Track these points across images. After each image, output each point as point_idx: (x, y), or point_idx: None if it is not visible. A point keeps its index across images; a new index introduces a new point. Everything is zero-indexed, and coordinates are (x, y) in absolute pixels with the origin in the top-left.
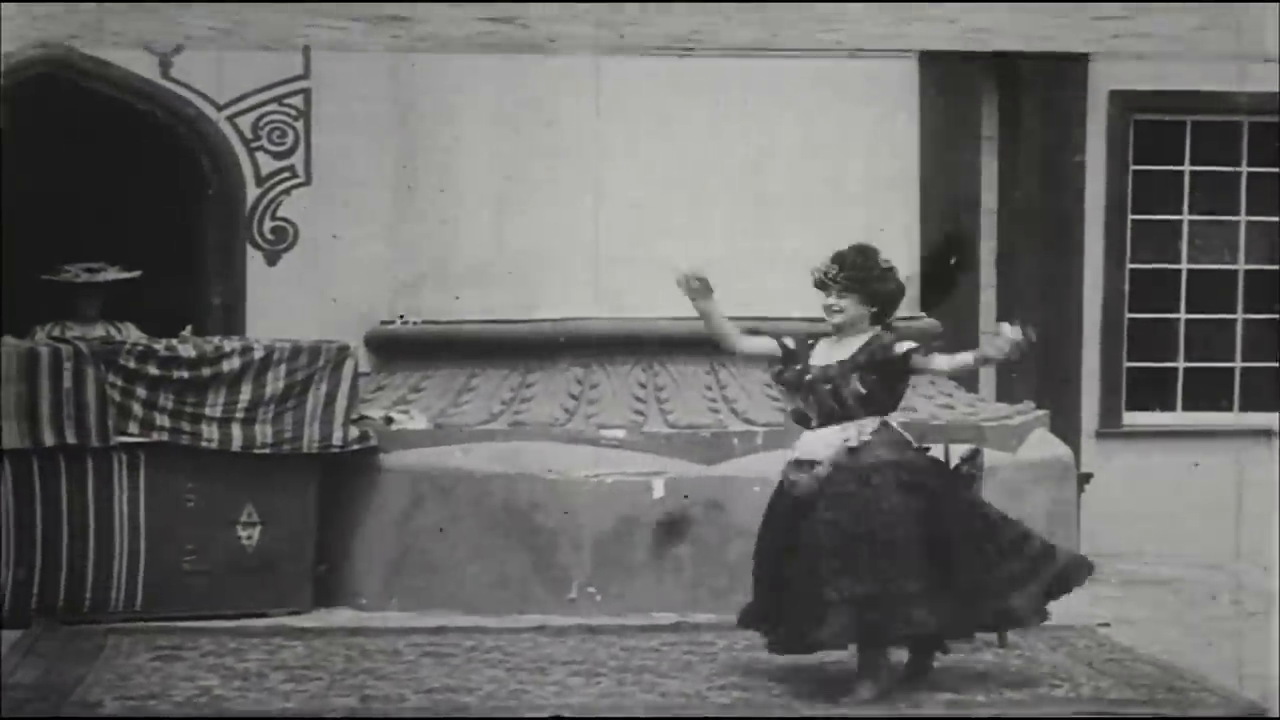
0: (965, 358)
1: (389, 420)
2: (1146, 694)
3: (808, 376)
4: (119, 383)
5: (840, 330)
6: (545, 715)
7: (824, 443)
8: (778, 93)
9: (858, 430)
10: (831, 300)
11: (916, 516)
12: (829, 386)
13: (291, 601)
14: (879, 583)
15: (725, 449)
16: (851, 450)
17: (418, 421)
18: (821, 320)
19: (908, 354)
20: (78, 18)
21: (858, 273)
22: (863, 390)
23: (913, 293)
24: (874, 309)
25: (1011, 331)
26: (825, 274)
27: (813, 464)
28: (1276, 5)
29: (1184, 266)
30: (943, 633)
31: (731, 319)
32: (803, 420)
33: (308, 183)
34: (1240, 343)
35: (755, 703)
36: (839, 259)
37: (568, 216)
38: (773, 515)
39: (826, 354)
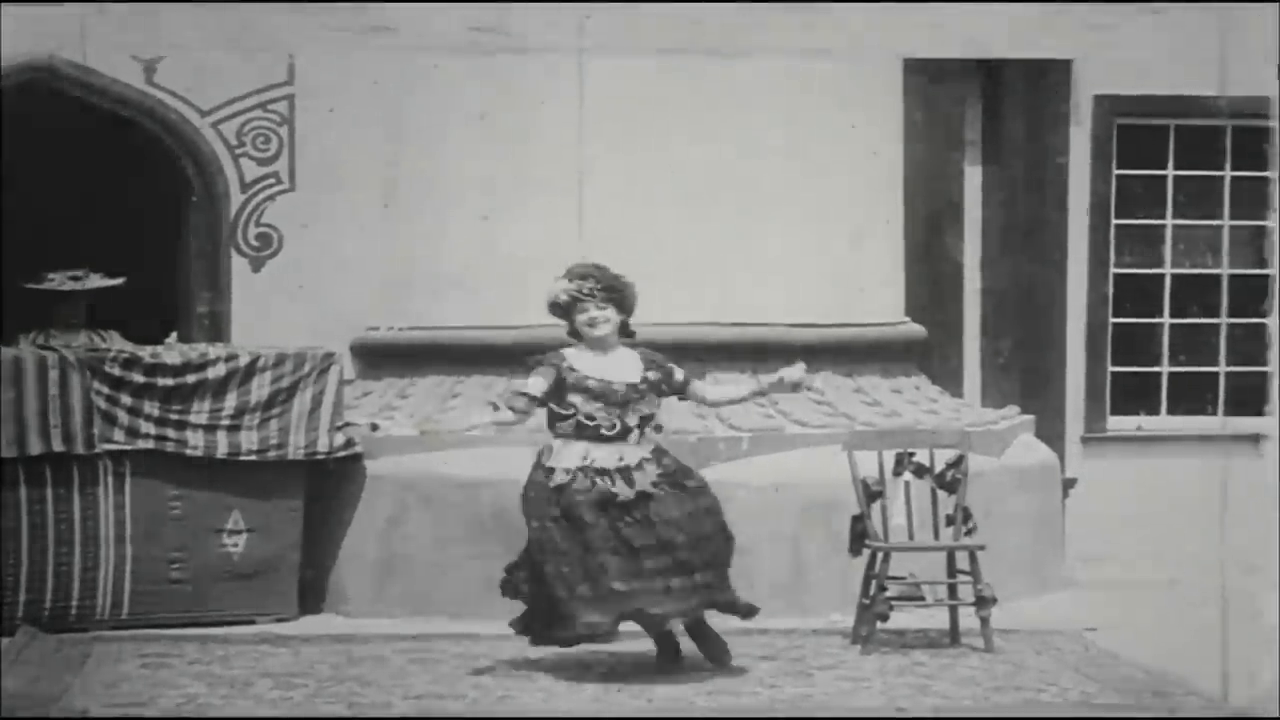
0: (738, 391)
1: (374, 427)
2: (1133, 698)
3: (615, 388)
4: (104, 390)
5: (601, 342)
6: (538, 716)
7: (629, 455)
8: (761, 97)
9: (650, 446)
10: (594, 313)
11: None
12: (634, 403)
13: (278, 609)
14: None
15: (711, 454)
16: (657, 454)
17: (404, 428)
18: (809, 326)
19: (687, 381)
20: (61, 24)
21: (614, 283)
22: (657, 411)
23: (897, 299)
24: (623, 318)
25: (794, 373)
26: (581, 290)
27: (627, 470)
28: (1263, 6)
29: (1168, 271)
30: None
31: (713, 324)
32: (575, 428)
33: (292, 189)
34: (1224, 347)
35: (744, 706)
36: (584, 274)
37: (553, 221)
38: (578, 516)
39: (605, 367)
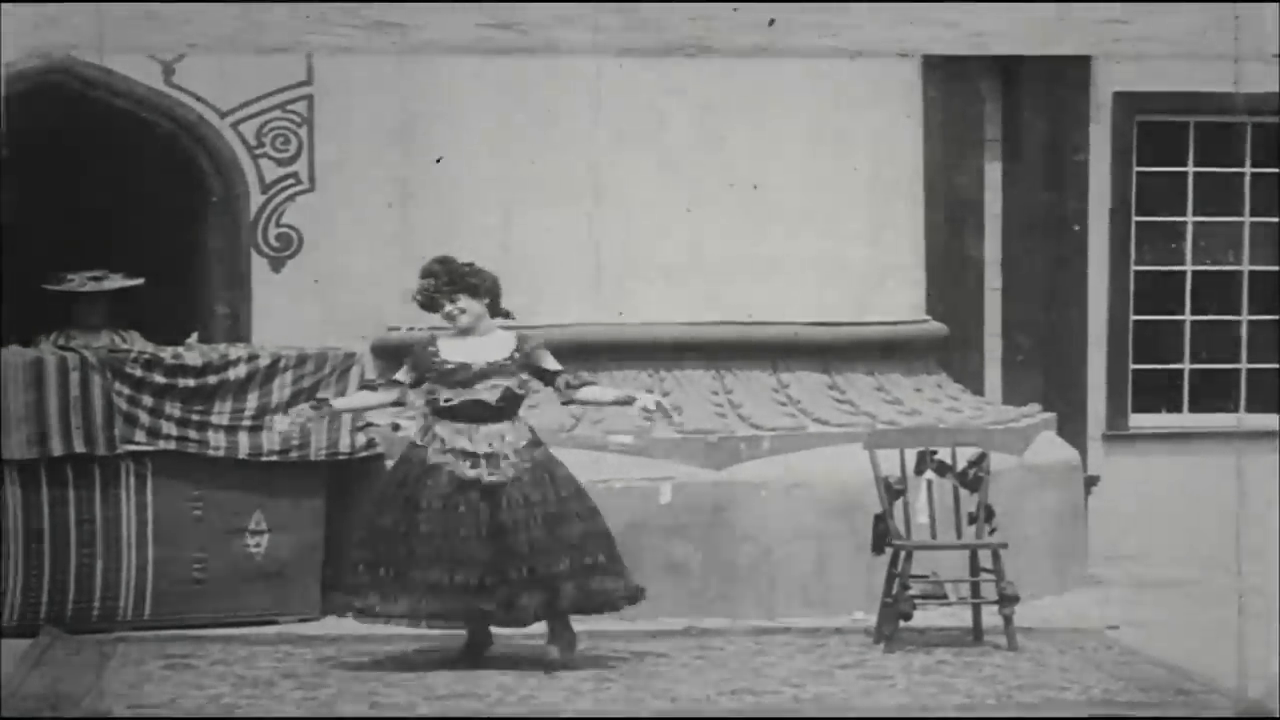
0: (603, 394)
1: (396, 427)
2: (1156, 696)
3: (475, 368)
4: (125, 391)
5: (467, 329)
6: (556, 716)
7: (499, 437)
8: (780, 96)
9: (525, 428)
10: (449, 307)
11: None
12: (497, 381)
13: (301, 609)
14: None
15: (732, 454)
16: (530, 446)
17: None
18: (829, 324)
19: (558, 372)
20: (79, 25)
21: (456, 274)
22: (525, 392)
23: (918, 297)
24: (486, 301)
25: (648, 401)
26: (427, 289)
27: (494, 457)
28: (1278, 5)
29: (1188, 268)
30: None
31: (732, 324)
32: (454, 412)
33: (311, 189)
34: (1245, 344)
35: (767, 705)
36: (430, 272)
37: (571, 221)
38: (440, 502)
39: (469, 350)
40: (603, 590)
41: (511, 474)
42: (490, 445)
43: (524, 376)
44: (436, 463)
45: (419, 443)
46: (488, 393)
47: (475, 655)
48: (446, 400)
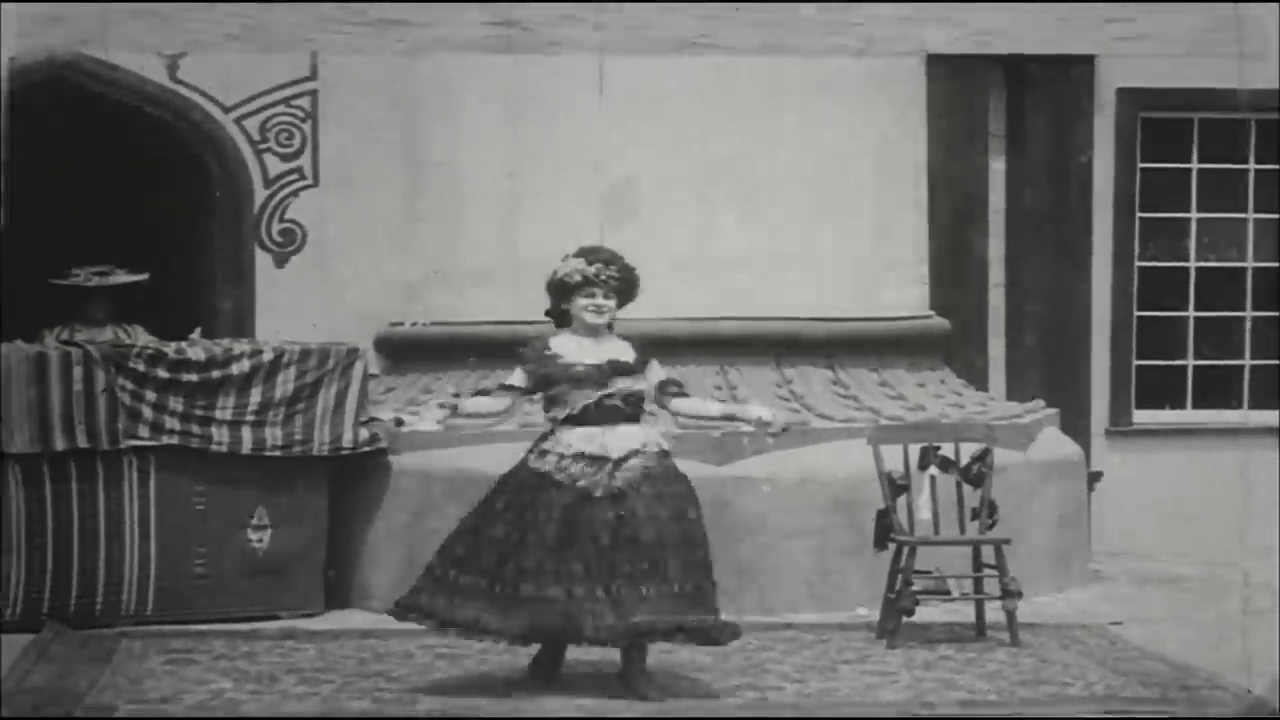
0: (708, 408)
1: (399, 422)
2: (1159, 692)
3: (604, 370)
4: (129, 386)
5: (595, 330)
6: (555, 716)
7: (629, 442)
8: (785, 94)
9: (657, 433)
10: (601, 300)
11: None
12: (624, 385)
13: (303, 604)
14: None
15: (735, 449)
16: (662, 452)
17: (427, 423)
18: (833, 320)
19: (664, 383)
20: (85, 21)
21: (630, 274)
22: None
23: (921, 292)
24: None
25: (769, 415)
26: (598, 275)
27: (619, 461)
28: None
29: (1192, 264)
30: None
31: (737, 319)
32: (567, 415)
33: (315, 184)
34: (1249, 340)
35: (767, 701)
36: (611, 259)
37: (574, 217)
38: (560, 513)
39: (593, 353)
40: (705, 622)
41: (638, 481)
42: (627, 447)
43: (645, 384)
44: (555, 475)
45: (541, 449)
46: (619, 395)
47: (548, 673)
48: (578, 404)
